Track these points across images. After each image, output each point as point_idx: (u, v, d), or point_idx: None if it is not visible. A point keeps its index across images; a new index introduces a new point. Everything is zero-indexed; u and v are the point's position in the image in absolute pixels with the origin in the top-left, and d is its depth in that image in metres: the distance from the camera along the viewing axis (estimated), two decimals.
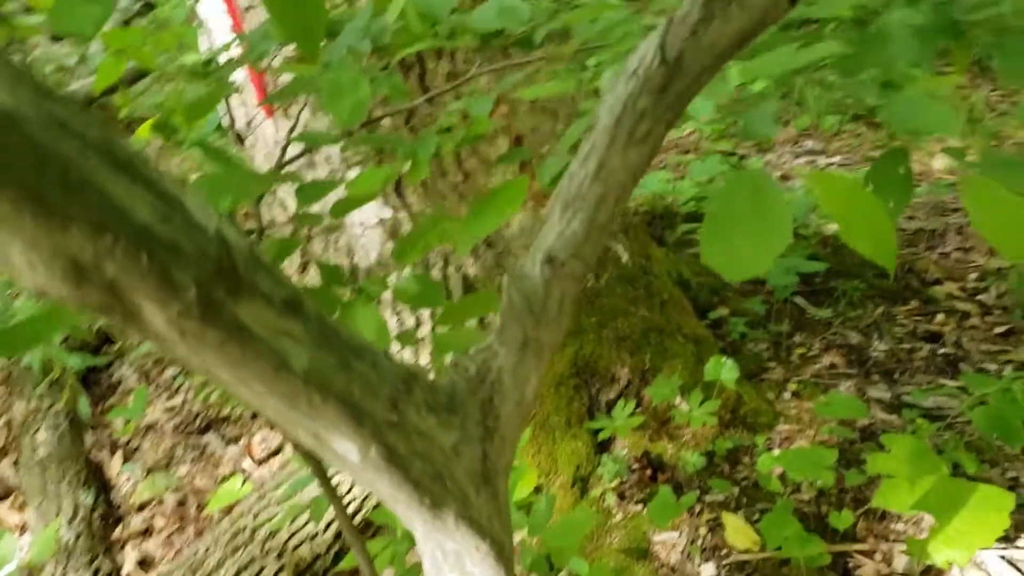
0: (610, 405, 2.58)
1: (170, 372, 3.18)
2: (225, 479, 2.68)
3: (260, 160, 2.51)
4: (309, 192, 0.86)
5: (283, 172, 1.02)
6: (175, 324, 0.46)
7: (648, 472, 2.53)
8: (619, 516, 2.45)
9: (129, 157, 0.43)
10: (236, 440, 2.82)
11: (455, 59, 2.00)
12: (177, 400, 3.03)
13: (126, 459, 2.85)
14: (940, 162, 4.11)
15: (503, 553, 0.70)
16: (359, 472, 0.62)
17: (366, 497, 2.38)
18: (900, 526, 2.38)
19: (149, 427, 2.94)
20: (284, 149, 1.03)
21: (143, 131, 1.77)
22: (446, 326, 0.89)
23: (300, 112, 1.62)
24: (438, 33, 1.15)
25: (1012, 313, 3.17)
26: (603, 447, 2.57)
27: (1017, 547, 2.28)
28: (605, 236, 0.67)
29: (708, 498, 2.47)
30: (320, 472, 1.08)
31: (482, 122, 0.87)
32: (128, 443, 2.93)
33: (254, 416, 2.87)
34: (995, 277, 3.39)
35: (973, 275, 3.46)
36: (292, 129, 1.07)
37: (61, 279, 0.41)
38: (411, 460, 0.62)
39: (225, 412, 2.89)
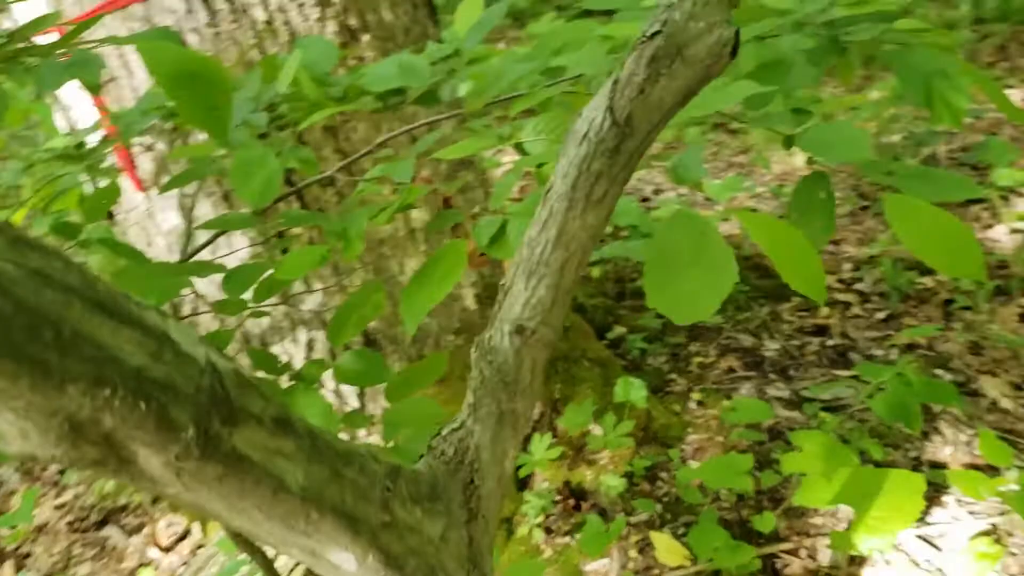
0: (526, 440, 2.57)
1: (55, 466, 3.00)
2: (132, 573, 2.54)
3: (133, 238, 2.41)
4: (237, 279, 0.82)
5: (194, 260, 0.98)
6: (172, 466, 0.43)
7: (571, 502, 2.54)
8: (548, 552, 2.44)
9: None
10: (139, 529, 2.68)
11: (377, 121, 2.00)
12: (68, 496, 2.86)
13: (19, 568, 2.67)
14: (801, 159, 4.31)
15: None
16: None
17: None
18: (819, 520, 2.46)
19: (40, 529, 2.76)
20: (188, 235, 0.98)
21: (17, 218, 1.67)
22: (394, 402, 0.87)
23: (196, 194, 1.56)
24: (334, 96, 1.13)
25: (889, 299, 3.35)
26: (523, 484, 2.56)
27: (929, 524, 2.40)
28: (569, 298, 0.66)
29: (633, 519, 2.50)
30: (266, 564, 1.04)
31: (413, 191, 0.85)
32: (18, 550, 2.74)
33: (155, 501, 2.74)
34: (868, 265, 3.57)
35: (847, 266, 3.63)
36: (190, 212, 1.02)
37: (56, 441, 0.38)
38: (405, 559, 0.60)
39: (123, 501, 2.74)
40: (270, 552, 0.96)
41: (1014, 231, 3.69)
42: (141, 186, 2.25)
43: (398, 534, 0.60)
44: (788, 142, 0.87)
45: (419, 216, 2.32)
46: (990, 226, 3.74)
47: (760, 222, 0.80)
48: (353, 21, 2.09)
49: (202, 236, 1.62)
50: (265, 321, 2.31)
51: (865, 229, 3.87)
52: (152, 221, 2.32)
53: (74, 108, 2.23)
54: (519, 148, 0.88)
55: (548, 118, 0.90)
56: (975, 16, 5.36)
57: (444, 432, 0.68)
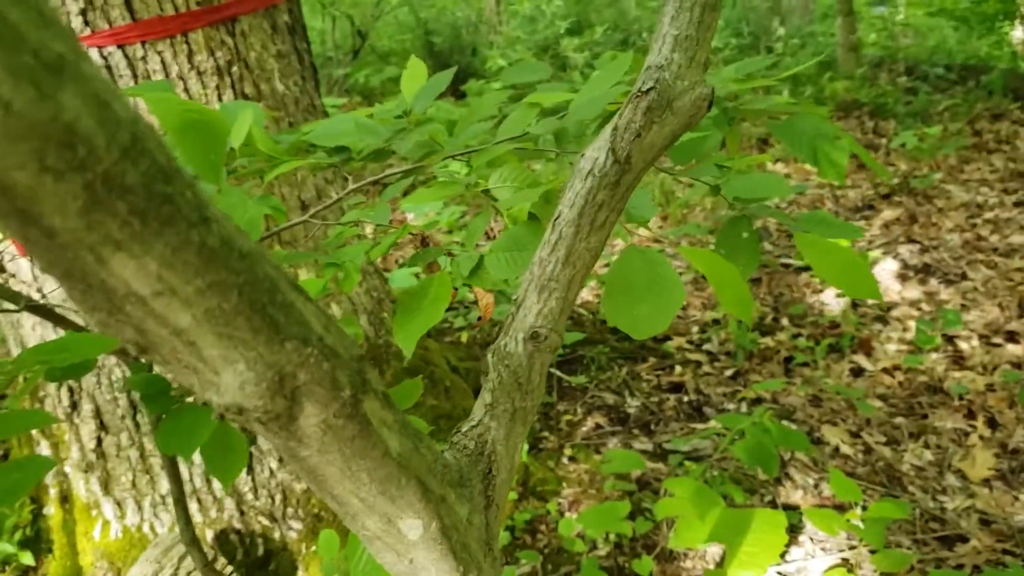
0: None
1: None
2: None
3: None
4: None
5: None
6: (324, 424, 0.52)
7: None
8: None
9: (292, 276, 0.49)
10: None
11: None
12: None
13: None
14: (645, 230, 4.62)
15: None
16: (411, 549, 0.68)
17: None
18: (690, 563, 2.62)
19: None
20: None
21: None
22: None
23: None
24: (283, 151, 1.22)
25: (735, 357, 3.63)
26: None
27: (787, 561, 2.61)
28: (571, 309, 0.79)
29: (518, 570, 2.59)
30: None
31: (405, 228, 0.95)
32: None
33: None
34: (713, 328, 3.86)
35: (695, 328, 3.92)
36: None
37: (262, 392, 0.47)
38: (451, 533, 0.70)
39: None
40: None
41: (839, 295, 4.09)
42: (24, 251, 2.21)
43: (448, 509, 0.69)
44: (715, 190, 1.03)
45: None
46: (820, 291, 4.14)
47: (700, 255, 0.95)
48: (248, 90, 2.17)
49: None
50: None
51: (708, 295, 4.19)
52: (34, 283, 2.27)
53: None
54: (487, 194, 1.00)
55: (507, 169, 1.03)
56: (795, 99, 5.93)
57: (464, 428, 0.78)
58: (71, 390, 2.42)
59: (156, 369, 1.16)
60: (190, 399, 0.95)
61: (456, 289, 0.97)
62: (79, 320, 1.37)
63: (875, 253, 4.38)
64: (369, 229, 1.23)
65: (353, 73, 6.98)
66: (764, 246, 4.54)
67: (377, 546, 0.69)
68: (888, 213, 4.75)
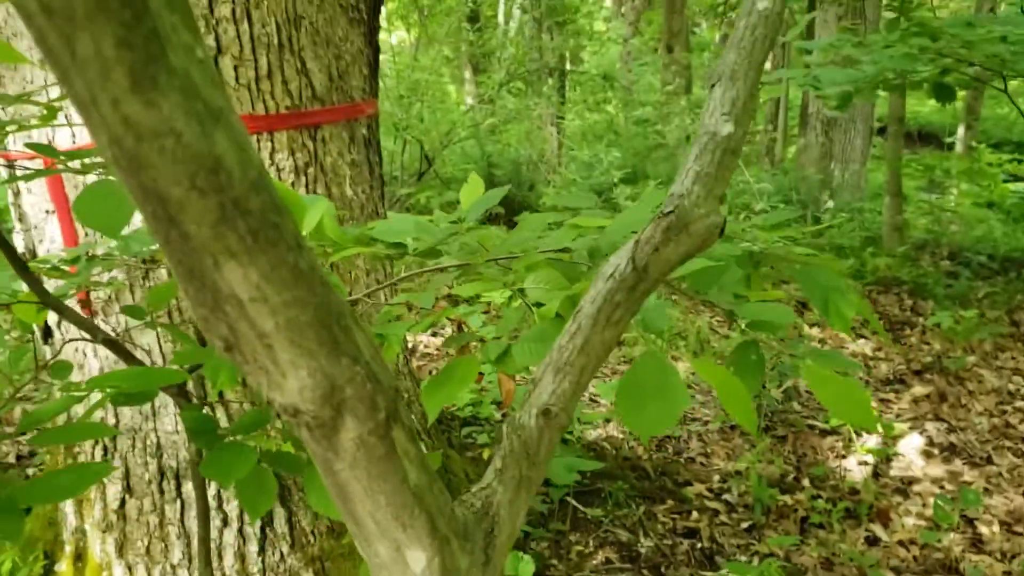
0: None
1: None
2: None
3: (66, 353, 2.49)
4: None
5: None
6: (360, 438, 0.63)
7: None
8: None
9: (351, 309, 0.61)
10: None
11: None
12: None
13: None
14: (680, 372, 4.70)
15: None
16: None
17: None
18: None
19: None
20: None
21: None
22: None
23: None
24: (349, 241, 1.36)
25: (753, 510, 3.64)
26: None
27: None
28: (580, 395, 0.89)
29: None
30: None
31: (446, 311, 1.07)
32: None
33: None
34: (734, 479, 3.88)
35: (716, 477, 3.93)
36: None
37: (316, 399, 0.58)
38: (451, 575, 0.78)
39: None
40: None
41: (862, 463, 4.10)
42: (90, 311, 2.36)
43: (451, 553, 0.78)
44: (731, 315, 1.14)
45: None
46: (843, 456, 4.15)
47: (712, 370, 1.05)
48: (320, 190, 2.34)
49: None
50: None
51: (733, 446, 4.22)
52: (90, 344, 2.41)
53: (41, 230, 2.36)
54: (521, 293, 1.12)
55: (542, 274, 1.15)
56: None
57: (474, 489, 0.87)
58: (105, 448, 2.52)
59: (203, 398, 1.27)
60: (232, 439, 1.05)
61: (482, 374, 1.08)
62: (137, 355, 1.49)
63: (902, 427, 4.39)
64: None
65: (416, 194, 7.31)
66: (793, 406, 4.58)
67: None
68: (919, 389, 4.78)
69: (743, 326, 1.14)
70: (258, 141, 2.23)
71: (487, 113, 8.37)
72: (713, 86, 0.91)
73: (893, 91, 4.74)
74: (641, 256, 0.85)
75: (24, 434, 2.52)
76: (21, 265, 1.06)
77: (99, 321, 2.38)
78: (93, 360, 2.48)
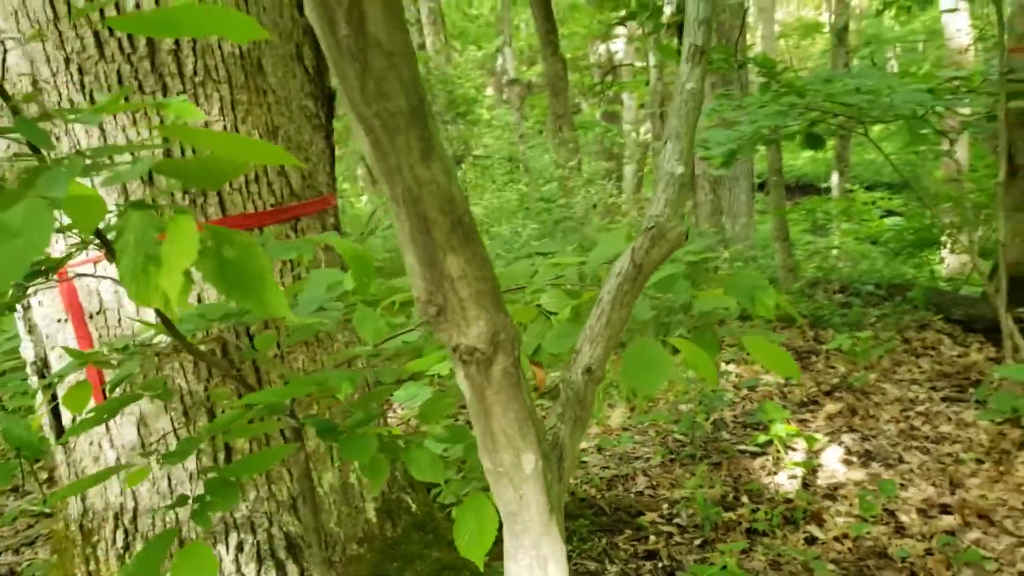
0: None
1: None
2: None
3: (80, 449, 2.77)
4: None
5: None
6: (504, 370, 1.03)
7: None
8: None
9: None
10: None
11: None
12: None
13: None
14: (617, 419, 5.15)
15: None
16: (519, 483, 1.16)
17: None
18: None
19: None
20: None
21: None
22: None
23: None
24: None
25: (703, 528, 4.06)
26: None
27: None
28: (607, 360, 1.31)
29: None
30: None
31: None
32: None
33: None
34: (681, 503, 4.30)
35: (665, 504, 4.35)
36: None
37: (487, 340, 0.98)
38: (547, 474, 1.19)
39: None
40: None
41: (791, 476, 4.58)
42: (104, 398, 2.66)
43: (545, 460, 1.18)
44: (686, 307, 1.58)
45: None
46: (774, 473, 4.62)
47: (682, 343, 1.48)
48: (302, 272, 2.72)
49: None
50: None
51: (675, 476, 4.65)
52: (107, 435, 2.70)
53: (50, 339, 2.66)
54: (540, 308, 1.53)
55: (551, 295, 1.58)
56: (740, 312, 6.67)
57: (547, 427, 1.27)
58: (126, 532, 2.79)
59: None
60: (358, 429, 1.42)
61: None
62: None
63: (822, 441, 4.90)
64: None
65: None
66: (722, 435, 5.06)
67: (502, 483, 1.17)
68: (831, 407, 5.33)
69: (701, 313, 1.58)
70: (251, 234, 2.61)
71: None
72: (666, 142, 1.37)
73: (769, 145, 5.39)
74: (638, 257, 1.29)
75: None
76: (166, 320, 1.42)
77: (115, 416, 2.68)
78: (110, 451, 2.76)
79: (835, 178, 15.39)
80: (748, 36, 10.84)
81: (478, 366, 1.01)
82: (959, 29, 11.51)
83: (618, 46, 16.67)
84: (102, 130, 2.32)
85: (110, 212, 0.95)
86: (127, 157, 1.12)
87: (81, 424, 1.52)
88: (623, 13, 3.41)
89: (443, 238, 0.89)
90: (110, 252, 0.98)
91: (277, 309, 0.90)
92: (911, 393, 5.46)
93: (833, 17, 16.31)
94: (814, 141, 5.03)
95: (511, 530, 1.22)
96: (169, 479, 2.71)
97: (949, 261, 9.81)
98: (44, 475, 4.37)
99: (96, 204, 0.89)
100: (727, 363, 6.06)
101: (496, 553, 1.32)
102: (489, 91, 21.67)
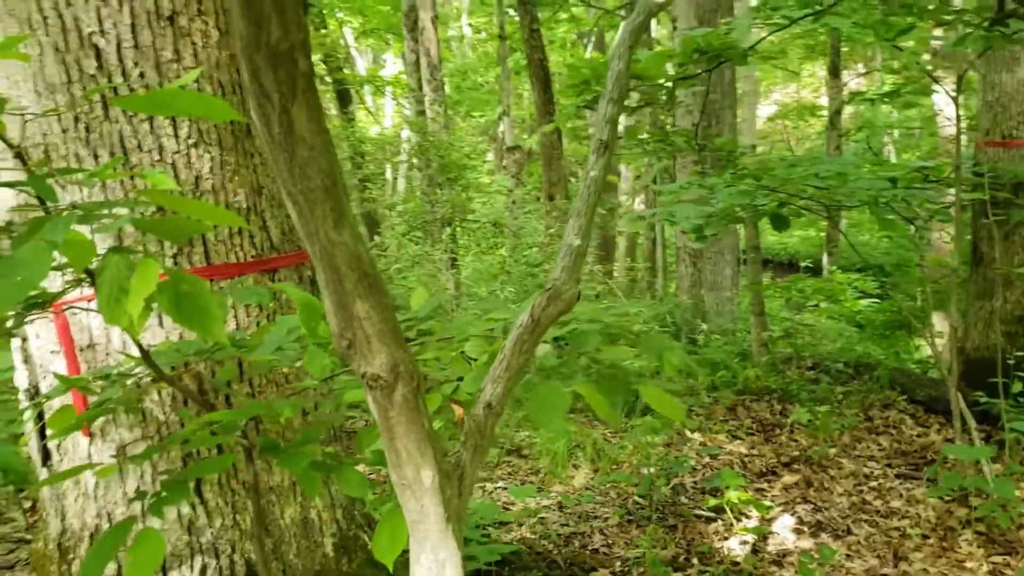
0: None
1: None
2: None
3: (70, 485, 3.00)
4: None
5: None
6: (404, 396, 1.30)
7: None
8: None
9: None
10: None
11: None
12: None
13: None
14: (580, 479, 5.36)
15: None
16: (420, 495, 1.42)
17: None
18: None
19: None
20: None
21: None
22: None
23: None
24: None
25: None
26: None
27: None
28: (507, 398, 1.57)
29: None
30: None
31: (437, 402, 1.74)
32: None
33: None
34: (633, 562, 4.51)
35: (618, 562, 4.56)
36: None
37: (388, 370, 1.25)
38: (445, 489, 1.44)
39: None
40: None
41: (743, 542, 4.79)
42: (88, 433, 2.90)
43: (444, 477, 1.44)
44: (594, 361, 1.85)
45: None
46: (727, 538, 4.84)
47: (586, 389, 1.74)
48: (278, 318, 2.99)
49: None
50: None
51: (631, 536, 4.86)
52: (88, 460, 2.94)
53: (44, 368, 2.92)
54: (463, 356, 1.80)
55: (472, 343, 1.84)
56: (711, 383, 6.92)
57: (450, 454, 1.53)
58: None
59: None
60: (297, 448, 1.68)
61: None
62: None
63: (776, 510, 5.12)
64: None
65: None
66: (681, 499, 5.27)
67: (406, 495, 1.42)
68: (788, 478, 5.56)
69: (607, 364, 1.84)
70: (231, 283, 2.89)
71: (391, 260, 9.23)
72: (570, 219, 1.65)
73: (737, 223, 5.69)
74: (536, 313, 1.56)
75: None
76: (145, 354, 1.68)
77: (97, 442, 2.92)
78: (90, 477, 2.99)
79: (825, 258, 15.76)
80: (740, 111, 11.29)
81: (382, 391, 1.27)
82: (949, 118, 11.97)
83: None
84: (103, 184, 2.61)
85: (98, 255, 1.23)
86: (125, 209, 1.40)
87: (65, 428, 1.77)
88: (590, 98, 3.75)
89: (351, 287, 1.16)
90: (94, 285, 1.26)
91: (217, 335, 1.17)
92: (867, 469, 5.69)
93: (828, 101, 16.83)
94: (779, 222, 5.33)
95: (415, 537, 1.47)
96: (142, 506, 2.94)
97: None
98: (28, 503, 4.58)
99: (87, 247, 1.16)
100: (692, 432, 6.29)
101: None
102: (490, 156, 22.19)
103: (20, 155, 1.38)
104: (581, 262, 1.61)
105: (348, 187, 1.21)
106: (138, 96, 1.21)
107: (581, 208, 1.65)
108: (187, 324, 1.18)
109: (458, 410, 1.78)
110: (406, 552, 1.52)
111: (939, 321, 8.50)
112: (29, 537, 4.34)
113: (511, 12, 13.99)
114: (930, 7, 4.02)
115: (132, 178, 2.54)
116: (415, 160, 10.36)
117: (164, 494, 1.60)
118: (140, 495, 1.84)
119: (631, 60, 1.79)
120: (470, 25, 22.98)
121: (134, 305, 1.07)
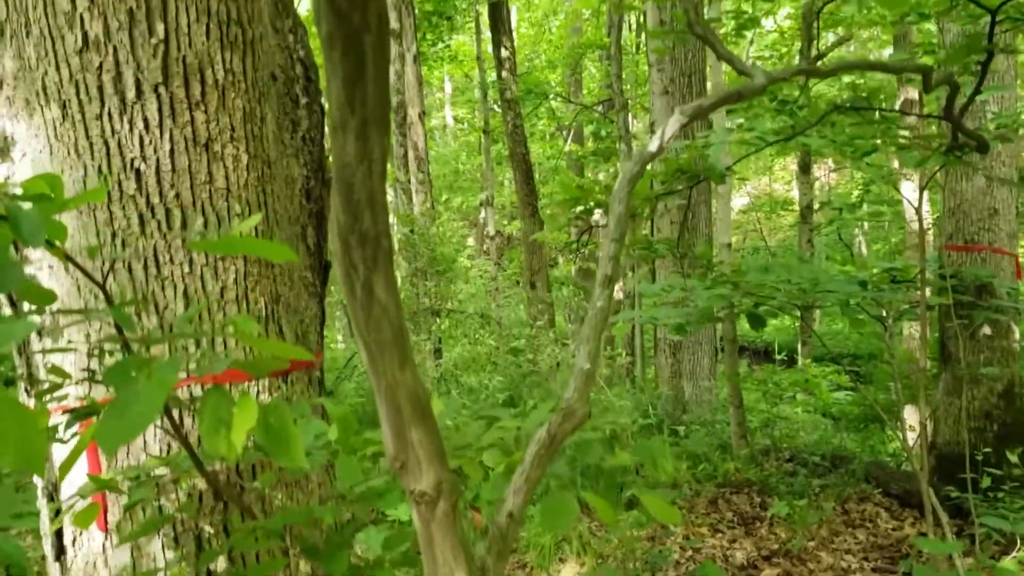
0: None
1: None
2: None
3: (76, 567, 3.14)
4: None
5: None
6: (444, 511, 1.51)
7: None
8: None
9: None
10: None
11: None
12: None
13: None
14: (568, 573, 5.51)
15: None
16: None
17: None
18: None
19: None
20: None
21: None
22: None
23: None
24: None
25: None
26: None
27: None
28: (526, 507, 1.78)
29: None
30: None
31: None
32: None
33: None
34: None
35: None
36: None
37: (433, 487, 1.47)
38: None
39: None
40: None
41: None
42: (105, 527, 3.06)
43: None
44: (599, 468, 2.06)
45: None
46: None
47: (593, 501, 1.96)
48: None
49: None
50: None
51: None
52: (102, 554, 3.09)
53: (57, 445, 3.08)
54: (482, 464, 2.00)
55: (490, 454, 2.05)
56: (693, 474, 7.12)
57: (477, 556, 1.73)
58: None
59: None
60: (335, 551, 1.87)
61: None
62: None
63: None
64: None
65: None
66: None
67: None
68: (768, 571, 5.73)
69: (607, 471, 2.06)
70: (248, 387, 3.09)
71: None
72: (578, 345, 1.89)
73: (716, 322, 5.97)
74: (552, 429, 1.78)
75: None
76: (191, 450, 1.88)
77: (112, 537, 3.08)
78: (104, 571, 3.14)
79: (800, 348, 16.09)
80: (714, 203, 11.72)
81: (427, 506, 1.48)
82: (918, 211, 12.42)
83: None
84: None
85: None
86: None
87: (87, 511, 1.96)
88: (579, 209, 4.05)
89: (408, 417, 1.38)
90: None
91: (299, 460, 1.38)
92: (844, 562, 5.87)
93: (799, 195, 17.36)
94: (755, 321, 5.61)
95: None
96: None
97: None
98: None
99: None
100: (676, 526, 6.46)
101: None
102: (471, 241, 22.58)
103: (89, 274, 1.61)
104: (591, 383, 1.84)
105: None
106: (213, 240, 1.45)
107: (588, 334, 1.89)
108: (274, 453, 1.38)
109: (477, 517, 1.98)
110: None
111: (911, 414, 8.76)
112: None
113: (495, 107, 14.50)
114: (893, 127, 4.36)
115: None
116: (403, 253, 10.73)
117: None
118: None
119: (630, 204, 2.05)
120: (453, 117, 23.63)
121: (238, 436, 1.28)
